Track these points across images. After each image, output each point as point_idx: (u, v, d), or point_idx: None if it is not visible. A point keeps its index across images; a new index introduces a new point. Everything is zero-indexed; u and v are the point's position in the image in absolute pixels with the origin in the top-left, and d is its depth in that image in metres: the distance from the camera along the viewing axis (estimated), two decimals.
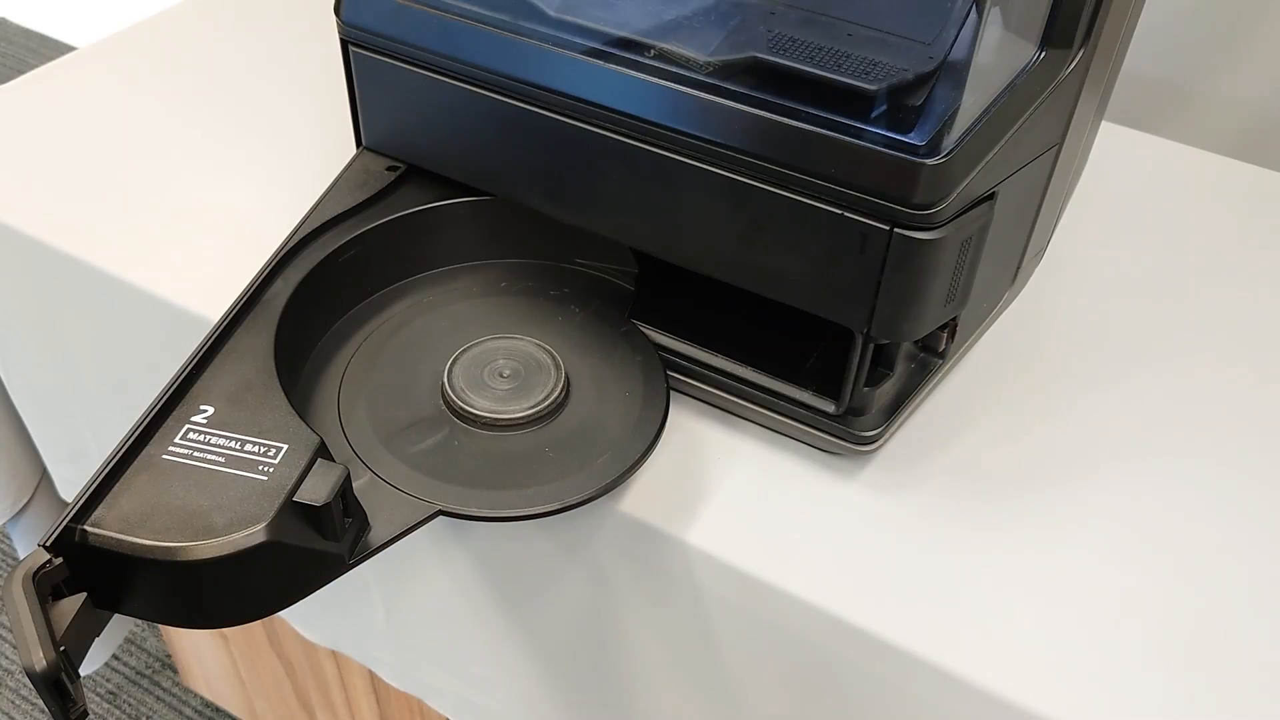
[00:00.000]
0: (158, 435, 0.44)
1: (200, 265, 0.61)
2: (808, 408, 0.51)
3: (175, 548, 0.40)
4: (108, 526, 0.40)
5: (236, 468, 0.43)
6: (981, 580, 0.48)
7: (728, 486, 0.52)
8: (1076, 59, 0.45)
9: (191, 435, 0.44)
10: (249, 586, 0.43)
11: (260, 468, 0.42)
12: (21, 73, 0.77)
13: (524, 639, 0.61)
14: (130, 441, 0.43)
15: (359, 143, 0.61)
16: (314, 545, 0.42)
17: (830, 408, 0.51)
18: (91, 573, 0.40)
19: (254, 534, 0.40)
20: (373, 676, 0.86)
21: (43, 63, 0.78)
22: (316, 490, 0.42)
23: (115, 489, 0.42)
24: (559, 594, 0.57)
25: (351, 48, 0.56)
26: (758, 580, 0.48)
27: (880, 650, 0.47)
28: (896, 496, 0.51)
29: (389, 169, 0.59)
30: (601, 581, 0.55)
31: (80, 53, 0.80)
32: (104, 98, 0.75)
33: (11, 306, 0.71)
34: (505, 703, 0.66)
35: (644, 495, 0.51)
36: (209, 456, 0.43)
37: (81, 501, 0.41)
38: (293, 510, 0.42)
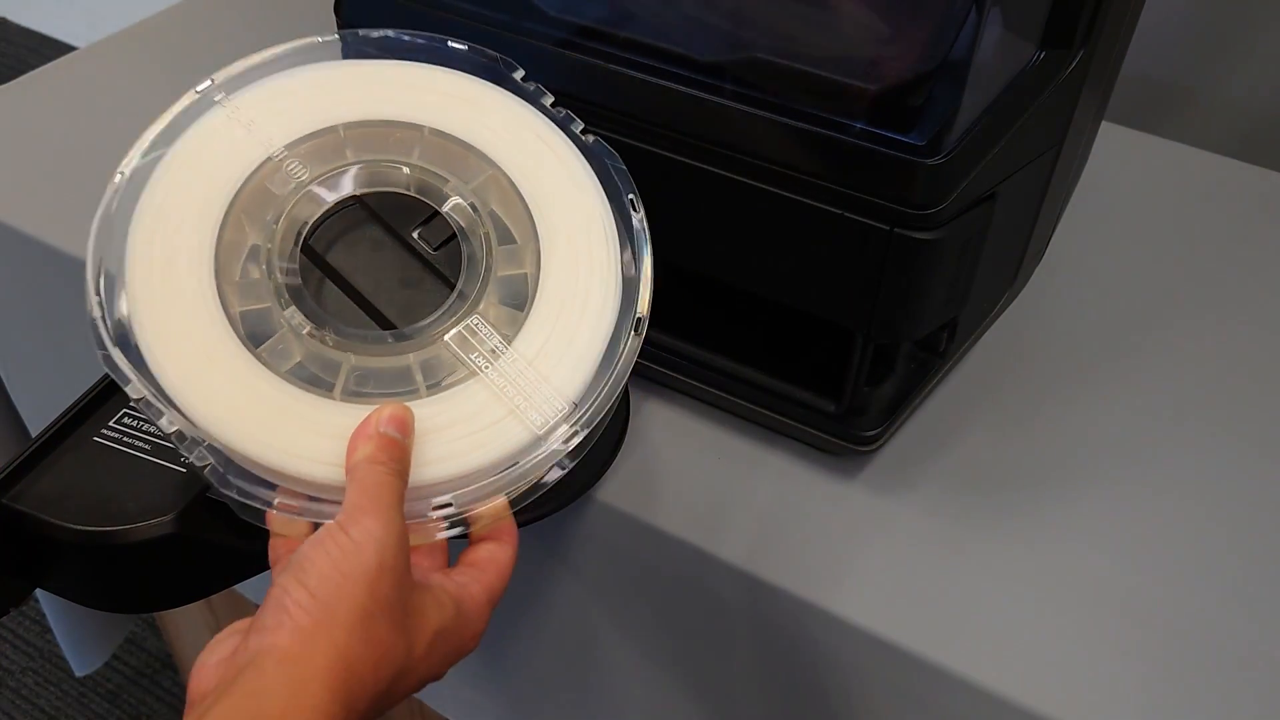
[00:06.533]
0: (95, 416, 0.44)
1: None
2: (808, 407, 0.51)
3: (85, 531, 0.40)
4: (25, 503, 0.40)
5: (160, 457, 0.42)
6: (981, 579, 0.48)
7: (727, 486, 0.52)
8: (1076, 59, 0.45)
9: (127, 420, 0.44)
10: (162, 576, 0.42)
11: (181, 459, 0.42)
12: (21, 73, 0.76)
13: (522, 638, 0.61)
14: (66, 419, 0.43)
15: None
16: (227, 541, 0.42)
17: (830, 408, 0.51)
18: (10, 545, 0.41)
19: (162, 524, 0.40)
20: None
21: (43, 63, 0.78)
22: None
23: (41, 465, 0.42)
24: (555, 593, 0.57)
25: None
26: (757, 579, 0.48)
27: (880, 650, 0.47)
28: (896, 496, 0.51)
29: None
30: (597, 581, 0.55)
31: (80, 53, 0.80)
32: (104, 98, 0.75)
33: (11, 305, 0.71)
34: (505, 702, 0.66)
35: (643, 495, 0.51)
36: (137, 443, 0.43)
37: (5, 473, 0.41)
38: (205, 505, 0.41)
